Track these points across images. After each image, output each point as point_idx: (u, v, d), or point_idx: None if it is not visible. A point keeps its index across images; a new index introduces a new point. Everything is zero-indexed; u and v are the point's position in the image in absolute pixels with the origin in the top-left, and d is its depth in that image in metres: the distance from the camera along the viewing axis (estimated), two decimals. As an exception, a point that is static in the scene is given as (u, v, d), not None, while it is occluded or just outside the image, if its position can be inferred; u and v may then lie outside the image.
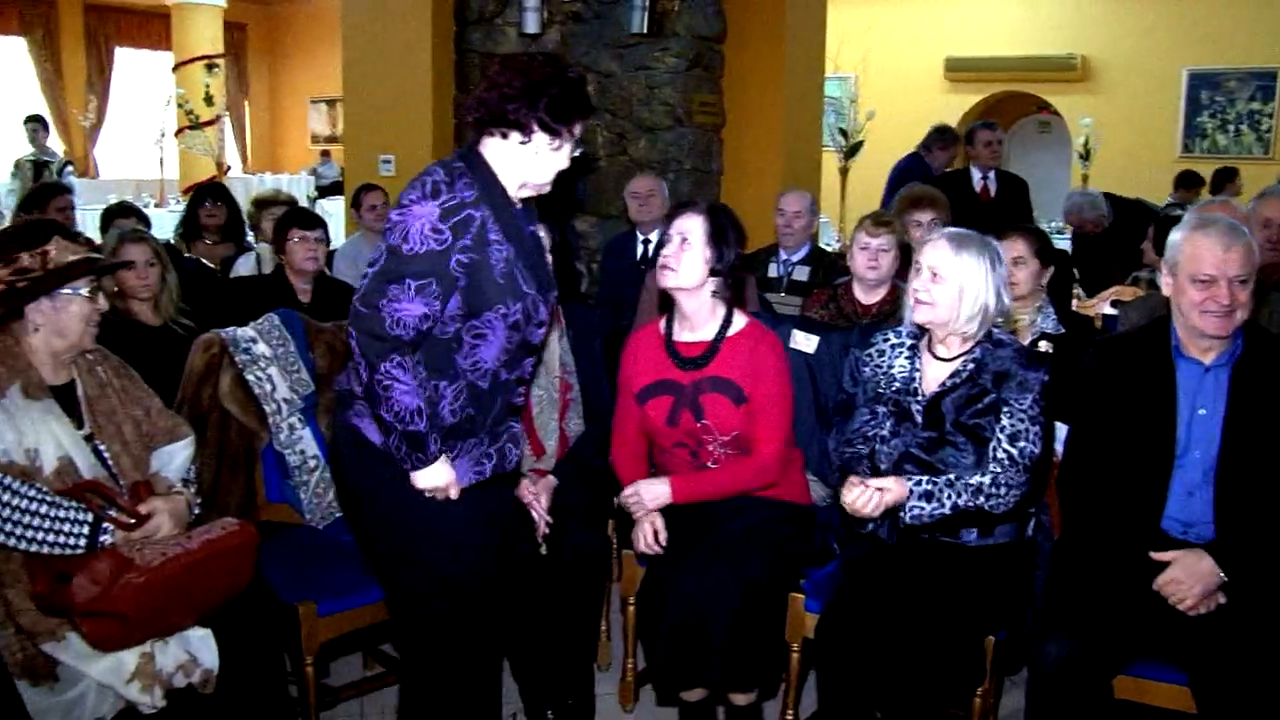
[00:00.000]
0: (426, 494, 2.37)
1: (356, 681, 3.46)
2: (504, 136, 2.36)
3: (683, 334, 3.09)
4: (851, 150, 9.87)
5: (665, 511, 3.03)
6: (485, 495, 2.45)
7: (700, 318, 3.05)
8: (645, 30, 6.39)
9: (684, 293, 3.00)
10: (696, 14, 6.55)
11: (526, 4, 6.43)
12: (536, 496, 3.11)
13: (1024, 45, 13.13)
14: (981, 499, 2.64)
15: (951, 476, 2.67)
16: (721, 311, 3.06)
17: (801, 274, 4.88)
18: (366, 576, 2.93)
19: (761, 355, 3.02)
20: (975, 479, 2.65)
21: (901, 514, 2.63)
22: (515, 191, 2.40)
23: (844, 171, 9.75)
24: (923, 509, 2.62)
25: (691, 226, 2.95)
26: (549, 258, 2.65)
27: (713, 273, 2.97)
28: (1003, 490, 2.65)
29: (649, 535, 2.98)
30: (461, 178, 2.31)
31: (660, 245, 3.03)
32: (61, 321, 2.42)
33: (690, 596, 2.78)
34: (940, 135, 7.05)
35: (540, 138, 2.35)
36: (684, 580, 2.81)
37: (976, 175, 6.39)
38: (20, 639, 2.31)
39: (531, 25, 6.49)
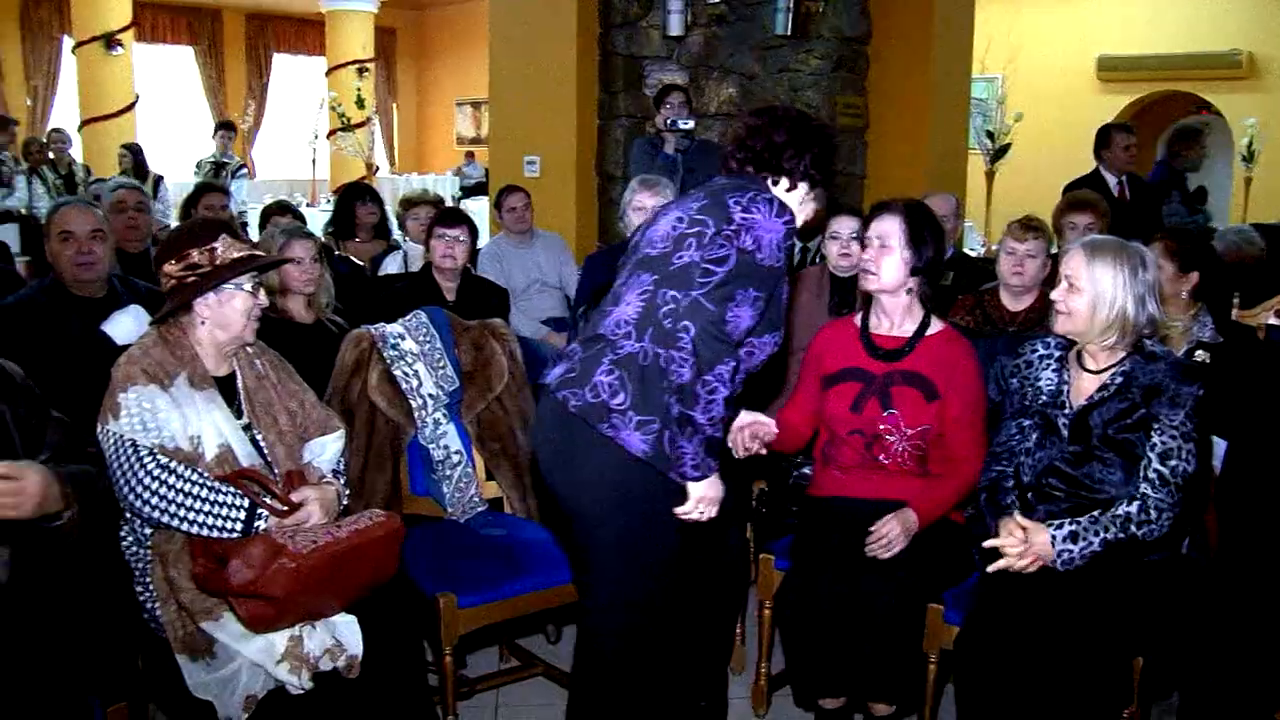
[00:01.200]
0: (691, 506, 2.46)
1: (493, 673, 3.52)
2: (774, 182, 2.54)
3: (880, 328, 3.06)
4: (998, 153, 9.62)
5: (807, 518, 3.00)
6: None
7: (899, 315, 3.03)
8: (789, 32, 6.34)
9: (885, 293, 3.00)
10: (841, 15, 6.47)
11: (670, 6, 6.44)
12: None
13: (1182, 42, 12.55)
14: (1132, 528, 2.55)
15: (1096, 513, 2.58)
16: (920, 311, 3.04)
17: (946, 279, 4.78)
18: (506, 571, 2.99)
19: (957, 358, 2.99)
20: (1122, 509, 2.56)
21: (1054, 562, 2.57)
22: None
23: (990, 175, 9.51)
24: (1072, 551, 2.55)
25: (889, 229, 2.93)
26: None
27: (913, 272, 2.95)
28: (1153, 515, 2.55)
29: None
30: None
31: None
32: (225, 315, 2.52)
33: (835, 603, 2.75)
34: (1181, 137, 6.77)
35: (802, 186, 2.56)
36: (829, 586, 2.78)
37: (1112, 179, 6.14)
38: (181, 616, 2.41)
39: (675, 28, 6.50)
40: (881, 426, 2.97)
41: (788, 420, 3.08)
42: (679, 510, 2.48)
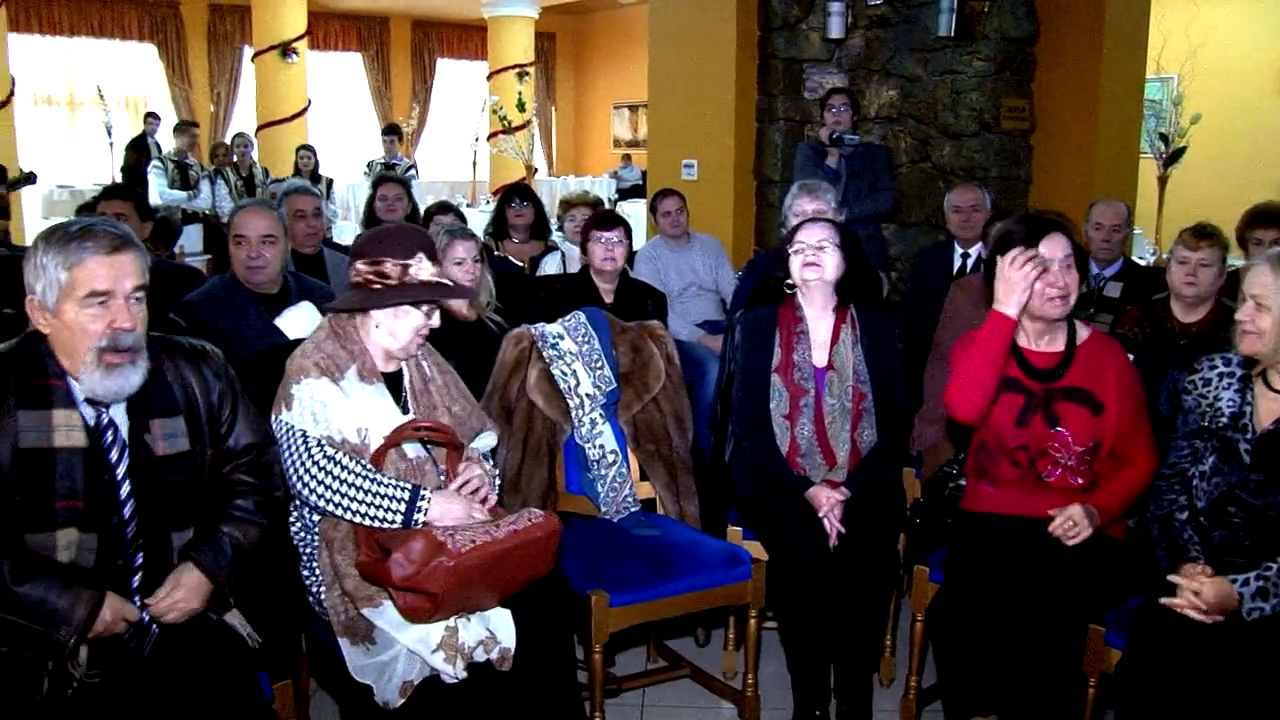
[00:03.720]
0: None
1: (641, 673, 3.54)
2: None
3: (1030, 341, 2.97)
4: (1173, 157, 9.20)
5: (963, 532, 2.94)
6: None
7: (1053, 327, 2.95)
8: (952, 33, 6.20)
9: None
10: (1007, 15, 6.29)
11: (831, 8, 6.38)
12: (831, 508, 3.10)
13: (1378, 42, 11.80)
14: None
15: None
16: (1064, 321, 2.95)
17: (1114, 290, 4.60)
18: (658, 572, 3.00)
19: (1111, 362, 2.90)
20: None
21: (1243, 617, 2.43)
22: None
23: (1163, 180, 9.10)
24: (1263, 608, 2.41)
25: (1059, 248, 2.84)
26: None
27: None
28: None
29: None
30: None
31: (986, 261, 2.95)
32: (397, 327, 2.60)
33: (993, 620, 2.68)
34: None
35: None
36: (987, 603, 2.71)
37: None
38: (344, 601, 2.49)
39: (836, 30, 6.44)
40: (1050, 444, 2.88)
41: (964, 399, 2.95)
42: None
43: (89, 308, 2.14)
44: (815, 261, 3.27)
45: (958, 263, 5.12)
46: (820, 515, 3.10)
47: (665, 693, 3.48)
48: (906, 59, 6.59)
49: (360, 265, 2.59)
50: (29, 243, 2.42)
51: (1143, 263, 6.37)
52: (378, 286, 2.55)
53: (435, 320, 2.64)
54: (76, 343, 2.15)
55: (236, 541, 2.38)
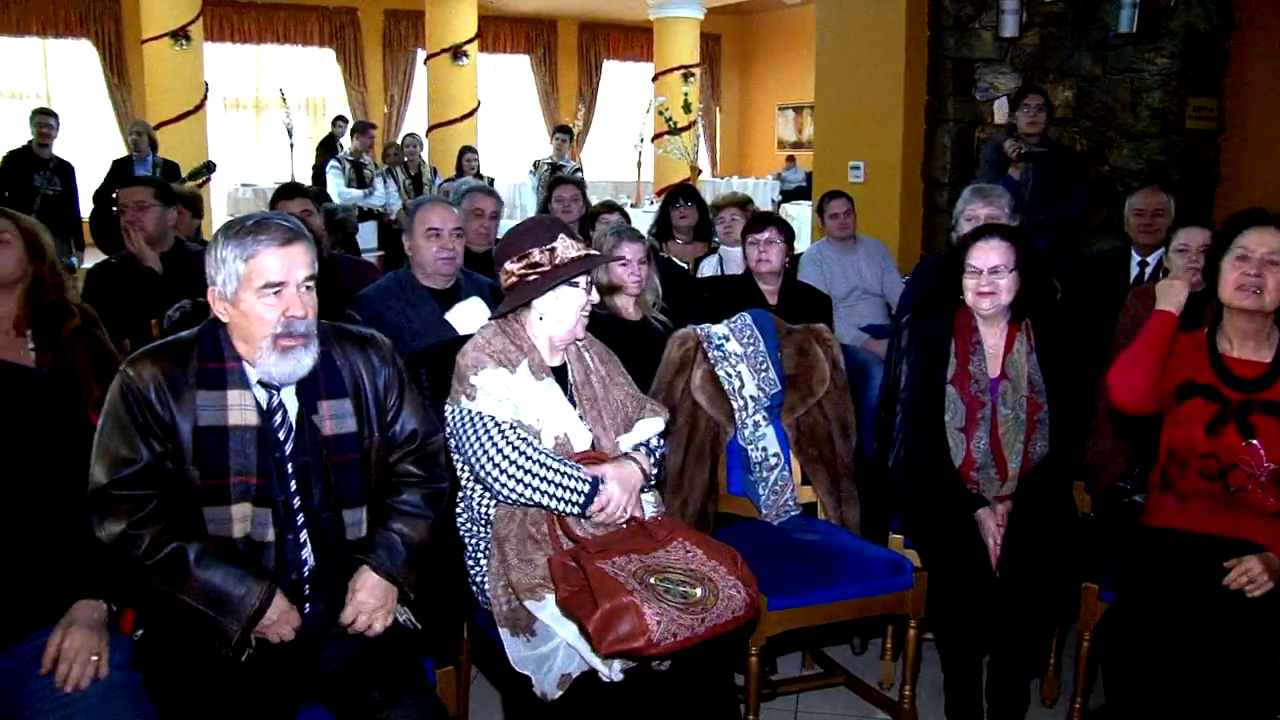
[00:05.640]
0: None
1: (796, 678, 3.51)
2: None
3: (1235, 349, 2.85)
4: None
5: (1140, 549, 2.82)
6: None
7: (1260, 336, 2.82)
8: (1134, 29, 5.96)
9: (1263, 314, 2.80)
10: (1195, 9, 6.00)
11: (1005, 6, 6.23)
12: (998, 524, 3.04)
13: None
14: None
15: None
16: (1278, 333, 2.83)
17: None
18: (818, 577, 2.97)
19: None
20: None
21: None
22: None
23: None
24: None
25: (1272, 243, 2.73)
26: None
27: None
28: None
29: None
30: None
31: (1149, 265, 2.83)
32: (561, 310, 2.64)
33: (1171, 645, 2.57)
34: None
35: None
36: (1164, 626, 2.60)
37: None
38: (507, 592, 2.53)
39: (1010, 29, 6.28)
40: (1241, 456, 2.74)
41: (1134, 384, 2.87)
42: None
43: (265, 297, 2.24)
44: (990, 290, 3.15)
45: (1135, 270, 4.91)
46: (985, 538, 3.03)
47: (820, 699, 3.45)
48: (1084, 57, 6.38)
49: (509, 266, 2.63)
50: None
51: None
52: (533, 278, 2.60)
53: (595, 296, 2.67)
54: (254, 330, 2.25)
55: (408, 539, 2.44)
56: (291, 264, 2.25)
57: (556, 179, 6.06)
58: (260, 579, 2.23)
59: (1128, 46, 6.18)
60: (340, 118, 12.38)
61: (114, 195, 4.77)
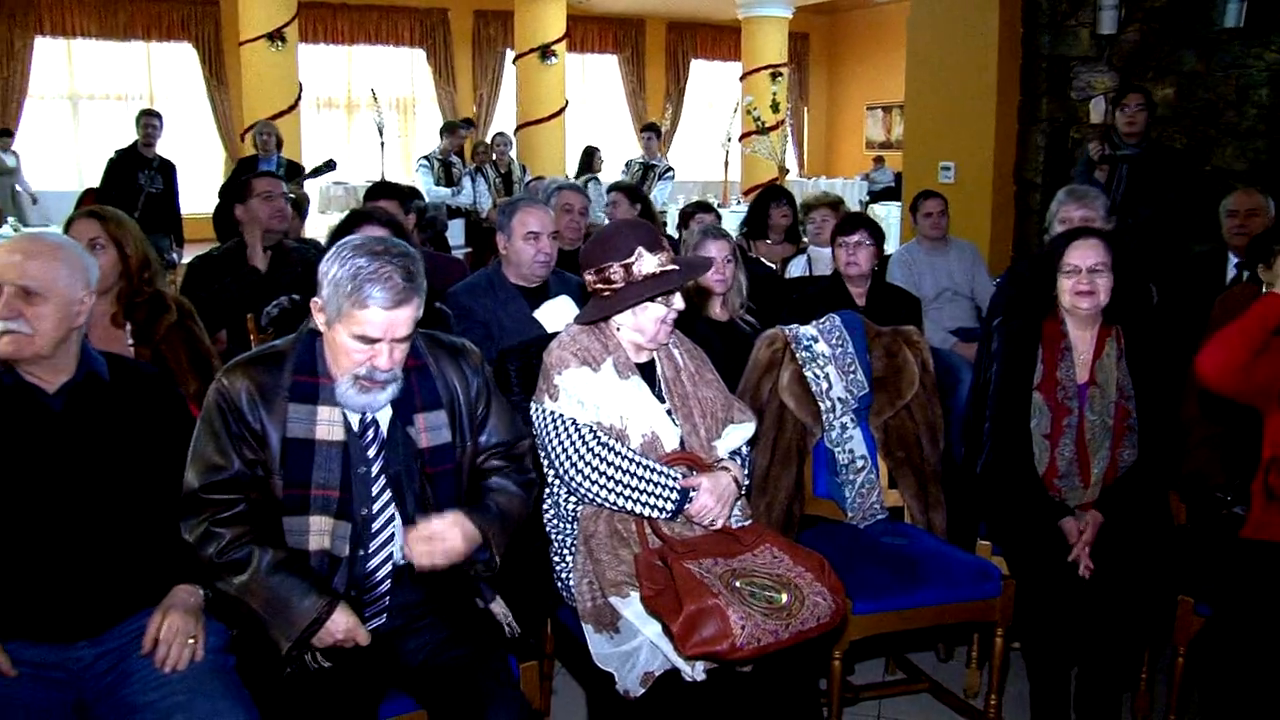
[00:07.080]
0: None
1: (879, 684, 3.49)
2: None
3: None
4: None
5: (1239, 563, 2.75)
6: None
7: None
8: (1241, 24, 5.79)
9: None
10: (1313, 0, 5.82)
11: (1103, 2, 6.11)
12: (1085, 544, 2.99)
13: None
14: None
15: None
16: None
17: None
18: (903, 582, 2.94)
19: None
20: None
21: None
22: None
23: None
24: None
25: None
26: None
27: None
28: None
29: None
30: None
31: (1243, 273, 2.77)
32: (640, 323, 2.63)
33: (1273, 665, 2.51)
34: None
35: None
36: (1266, 645, 2.53)
37: None
38: (592, 589, 2.55)
39: (1108, 25, 6.16)
40: None
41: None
42: None
43: (357, 342, 2.26)
44: (1089, 289, 3.09)
45: (1231, 273, 4.77)
46: (1072, 544, 2.98)
47: (903, 706, 3.42)
48: (1186, 54, 6.22)
49: (589, 276, 2.64)
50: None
51: None
52: (607, 294, 2.59)
53: (678, 303, 2.64)
54: (340, 360, 2.29)
55: (502, 505, 2.46)
56: (394, 325, 2.25)
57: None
58: (324, 594, 2.24)
59: (1234, 41, 6.00)
60: (467, 120, 12.53)
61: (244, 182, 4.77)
